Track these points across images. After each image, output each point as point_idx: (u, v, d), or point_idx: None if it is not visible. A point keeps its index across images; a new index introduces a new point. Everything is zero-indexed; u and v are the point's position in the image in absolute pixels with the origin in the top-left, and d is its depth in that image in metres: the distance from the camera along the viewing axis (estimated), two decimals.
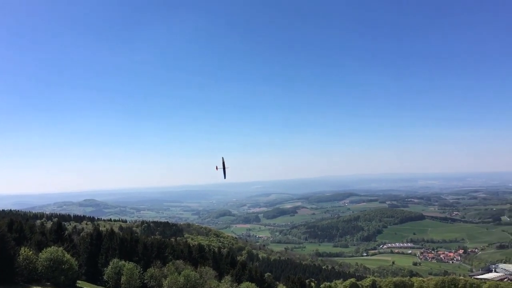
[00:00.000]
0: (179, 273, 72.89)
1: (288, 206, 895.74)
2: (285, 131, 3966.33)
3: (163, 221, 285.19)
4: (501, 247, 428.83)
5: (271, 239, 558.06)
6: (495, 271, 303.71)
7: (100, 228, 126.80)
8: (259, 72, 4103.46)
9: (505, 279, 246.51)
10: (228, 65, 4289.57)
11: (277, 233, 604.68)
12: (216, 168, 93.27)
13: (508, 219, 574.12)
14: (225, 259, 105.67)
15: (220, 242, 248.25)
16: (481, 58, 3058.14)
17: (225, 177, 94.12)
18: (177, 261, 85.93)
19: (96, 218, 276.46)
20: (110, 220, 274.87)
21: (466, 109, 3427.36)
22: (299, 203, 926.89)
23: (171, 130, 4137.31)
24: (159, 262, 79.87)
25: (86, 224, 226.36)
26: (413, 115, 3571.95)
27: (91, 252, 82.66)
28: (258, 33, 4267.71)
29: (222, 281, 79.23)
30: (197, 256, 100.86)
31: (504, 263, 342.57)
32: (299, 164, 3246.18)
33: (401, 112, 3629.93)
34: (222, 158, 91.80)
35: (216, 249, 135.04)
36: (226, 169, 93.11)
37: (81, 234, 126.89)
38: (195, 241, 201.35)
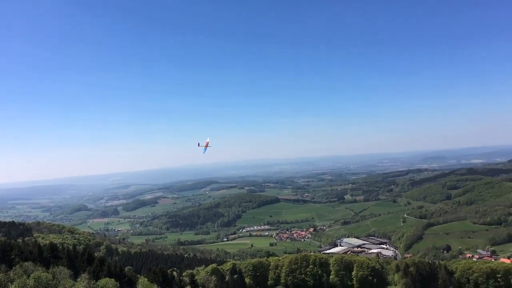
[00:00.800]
0: (28, 276, 67.35)
1: (148, 197, 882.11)
2: (138, 122, 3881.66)
3: (7, 220, 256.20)
4: (345, 223, 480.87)
5: (131, 231, 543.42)
6: (340, 245, 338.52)
7: None
8: (115, 55, 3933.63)
9: (349, 252, 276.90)
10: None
11: (138, 225, 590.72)
12: (198, 145, 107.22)
13: (351, 197, 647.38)
14: (81, 256, 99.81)
15: (75, 239, 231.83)
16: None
17: (204, 153, 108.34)
18: (26, 263, 78.96)
19: None
20: None
21: (310, 98, 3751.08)
22: (160, 193, 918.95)
23: (10, 119, 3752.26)
24: (4, 266, 72.60)
25: None
26: (267, 105, 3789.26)
27: None
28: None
29: (78, 279, 75.11)
30: (49, 256, 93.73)
31: (348, 237, 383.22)
32: (159, 154, 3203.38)
33: (255, 100, 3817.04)
34: (208, 138, 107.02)
35: (70, 247, 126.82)
36: (207, 147, 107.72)
37: None
38: (46, 240, 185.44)
